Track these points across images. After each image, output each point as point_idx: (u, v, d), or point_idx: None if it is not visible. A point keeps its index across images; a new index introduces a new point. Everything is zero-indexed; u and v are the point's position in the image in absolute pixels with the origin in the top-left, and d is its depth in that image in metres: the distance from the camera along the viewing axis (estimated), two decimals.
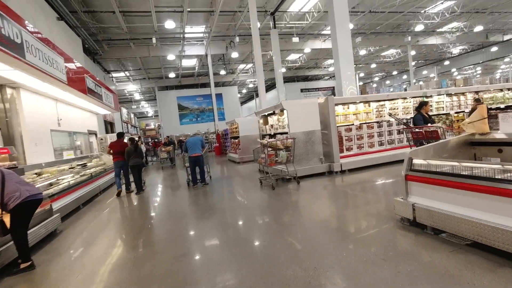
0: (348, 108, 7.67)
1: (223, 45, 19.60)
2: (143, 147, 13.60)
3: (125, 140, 8.70)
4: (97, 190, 8.01)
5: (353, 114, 7.71)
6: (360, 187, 5.86)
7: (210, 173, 8.84)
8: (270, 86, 35.38)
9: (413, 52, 25.50)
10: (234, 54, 20.50)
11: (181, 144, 14.49)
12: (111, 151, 7.92)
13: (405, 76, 37.19)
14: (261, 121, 9.52)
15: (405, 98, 8.14)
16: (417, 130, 4.58)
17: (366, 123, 7.76)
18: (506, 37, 25.43)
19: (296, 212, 4.53)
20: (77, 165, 8.68)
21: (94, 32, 14.01)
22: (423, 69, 35.51)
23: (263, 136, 9.44)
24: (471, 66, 33.01)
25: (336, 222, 4.05)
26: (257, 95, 39.90)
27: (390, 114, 6.60)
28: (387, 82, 39.61)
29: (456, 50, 28.71)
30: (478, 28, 20.58)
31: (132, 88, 28.28)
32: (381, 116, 7.96)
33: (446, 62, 32.26)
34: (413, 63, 27.96)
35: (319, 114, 7.28)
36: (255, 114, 9.45)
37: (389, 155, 7.70)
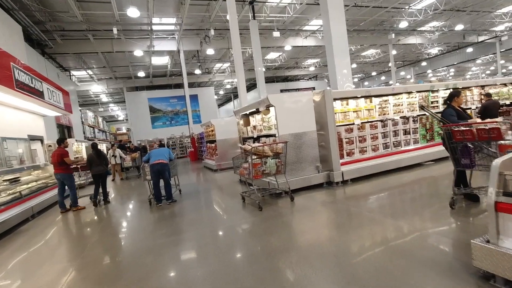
0: (347, 104, 6.32)
1: (197, 40, 17.91)
2: (118, 153, 11.48)
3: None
4: (26, 214, 6.07)
5: (354, 112, 6.37)
6: (375, 205, 4.46)
7: (179, 186, 7.14)
8: (249, 87, 33.95)
9: (393, 52, 25.11)
10: (210, 51, 18.87)
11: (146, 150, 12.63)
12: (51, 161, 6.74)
13: (383, 77, 37.24)
14: (241, 121, 7.97)
15: (410, 93, 6.93)
16: (463, 128, 3.25)
17: (368, 122, 6.45)
18: (480, 38, 25.71)
19: (298, 254, 3.00)
20: (4, 180, 6.67)
21: (40, 20, 11.83)
22: (400, 70, 35.63)
23: (244, 140, 7.89)
24: (445, 67, 33.52)
25: (364, 275, 2.57)
26: (235, 97, 38.42)
27: (422, 107, 5.27)
28: (366, 83, 39.53)
29: (434, 51, 28.82)
30: (459, 27, 20.43)
31: (97, 89, 25.73)
32: (384, 114, 6.68)
33: (423, 63, 32.49)
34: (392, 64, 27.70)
35: (314, 112, 5.87)
36: (234, 114, 7.88)
37: (396, 160, 6.43)
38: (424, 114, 7.04)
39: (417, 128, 6.91)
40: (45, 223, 5.82)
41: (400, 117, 6.76)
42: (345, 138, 6.11)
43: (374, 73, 36.56)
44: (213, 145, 12.15)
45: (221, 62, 24.07)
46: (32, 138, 9.56)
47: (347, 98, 6.27)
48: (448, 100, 4.14)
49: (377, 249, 2.85)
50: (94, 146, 7.35)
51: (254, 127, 7.30)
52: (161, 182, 6.04)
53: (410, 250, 2.72)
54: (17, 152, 8.59)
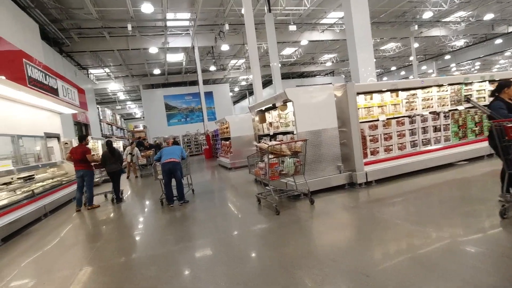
0: (371, 98, 5.83)
1: (211, 36, 17.67)
2: (136, 151, 11.45)
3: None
4: (39, 212, 5.98)
5: (378, 107, 5.87)
6: (405, 211, 3.99)
7: (192, 186, 6.88)
8: (264, 83, 33.50)
9: (416, 45, 23.94)
10: (224, 47, 18.60)
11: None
12: (72, 158, 6.67)
13: (403, 72, 35.81)
14: (257, 118, 7.62)
15: (440, 86, 6.34)
16: None
17: (394, 117, 5.93)
18: (511, 29, 24.08)
19: (319, 270, 2.62)
20: (19, 178, 6.64)
21: (57, 18, 11.89)
22: (422, 65, 34.10)
23: (260, 138, 7.55)
24: (470, 61, 31.75)
25: None
26: (250, 93, 38.07)
27: (468, 99, 4.74)
28: (385, 78, 38.17)
29: (459, 43, 27.28)
30: (488, 16, 19.13)
31: (115, 87, 26.06)
32: (412, 109, 6.14)
33: (447, 57, 30.89)
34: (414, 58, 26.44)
35: (335, 107, 5.43)
36: (249, 110, 7.54)
37: (425, 160, 5.89)
38: (456, 109, 6.44)
39: (449, 124, 6.32)
40: (55, 223, 5.69)
41: (430, 113, 6.20)
42: (369, 136, 5.63)
43: (393, 68, 35.24)
44: (227, 142, 11.88)
45: (236, 59, 23.76)
46: (49, 136, 9.59)
47: (371, 92, 5.78)
48: (497, 92, 3.61)
49: (412, 267, 2.43)
50: (108, 144, 7.23)
51: (270, 124, 6.93)
52: (173, 182, 5.80)
53: (457, 271, 2.29)
54: (33, 149, 8.61)
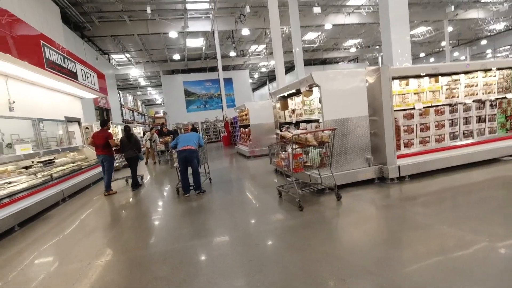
0: (407, 84, 5.23)
1: (232, 20, 17.10)
2: (156, 137, 11.46)
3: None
4: (57, 197, 5.95)
5: (414, 93, 5.27)
6: (449, 213, 3.50)
7: (209, 174, 6.63)
8: (285, 70, 32.63)
9: (449, 28, 22.22)
10: (245, 31, 17.98)
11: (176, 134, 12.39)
12: (94, 143, 6.64)
13: (432, 59, 33.66)
14: (278, 105, 7.19)
15: (488, 71, 5.61)
16: None
17: (433, 106, 5.32)
18: None
19: (351, 285, 2.26)
20: (38, 162, 6.65)
21: (77, 0, 11.79)
22: (454, 51, 31.84)
23: (281, 126, 7.12)
24: (509, 46, 29.17)
25: None
26: (270, 80, 37.37)
27: None
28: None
29: (499, 26, 25.07)
30: None
31: (136, 73, 26.22)
32: (453, 96, 5.48)
33: (483, 42, 28.54)
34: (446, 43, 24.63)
35: (366, 93, 4.90)
36: (270, 97, 7.10)
37: (467, 154, 5.27)
38: (505, 98, 5.70)
39: (495, 115, 5.61)
40: (72, 209, 5.63)
41: (474, 101, 5.52)
42: (403, 126, 5.07)
43: (422, 55, 33.17)
44: (246, 130, 11.54)
45: (256, 44, 23.10)
46: (69, 120, 9.63)
47: (407, 77, 5.18)
48: None
49: (459, 283, 2.00)
50: (126, 129, 7.10)
51: (293, 111, 6.48)
52: (190, 170, 5.55)
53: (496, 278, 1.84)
54: (54, 133, 8.67)
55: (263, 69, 32.28)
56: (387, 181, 4.88)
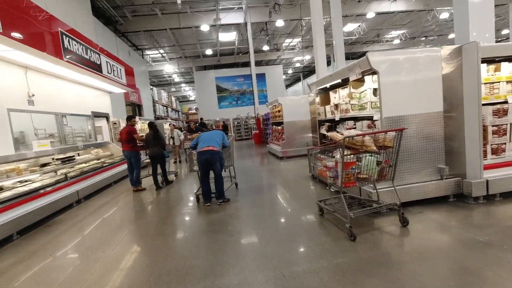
0: (496, 70, 3.89)
1: (265, 10, 16.13)
2: (176, 134, 10.99)
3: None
4: (70, 199, 5.44)
5: (507, 82, 3.92)
6: None
7: (235, 179, 5.76)
8: None
9: None
10: (279, 22, 16.92)
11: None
12: (120, 139, 6.55)
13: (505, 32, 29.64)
14: (318, 99, 6.11)
15: None
16: None
17: None
18: None
19: None
20: (57, 159, 6.25)
21: None
22: None
23: (320, 123, 6.06)
24: None
25: None
26: (304, 76, 35.86)
27: None
28: None
29: None
30: None
31: (169, 69, 26.30)
32: None
33: None
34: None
35: (441, 82, 3.68)
36: (308, 88, 6.02)
37: None
38: None
39: None
40: (83, 213, 5.06)
41: None
42: (492, 126, 3.76)
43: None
44: (279, 127, 10.54)
45: (290, 37, 21.92)
46: (96, 115, 9.35)
47: (499, 61, 3.85)
48: None
49: None
50: (151, 125, 6.72)
51: (336, 106, 5.37)
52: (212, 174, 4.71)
53: None
54: (79, 129, 8.37)
55: (297, 64, 30.94)
56: (468, 200, 3.63)
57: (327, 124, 5.76)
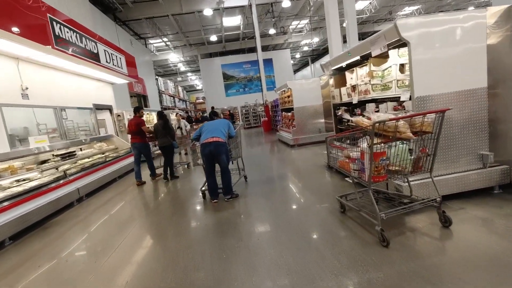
0: None
1: None
2: (183, 124, 10.57)
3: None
4: (70, 197, 5.13)
5: None
6: None
7: (244, 172, 5.31)
8: (327, 50, 29.88)
9: None
10: (286, 3, 16.05)
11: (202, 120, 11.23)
12: (128, 130, 6.46)
13: None
14: (332, 81, 5.53)
15: None
16: None
17: None
18: None
19: None
20: (57, 155, 5.93)
21: None
22: None
23: (336, 108, 5.51)
24: None
25: None
26: (313, 60, 34.76)
27: None
28: None
29: None
30: None
31: (174, 58, 25.73)
32: None
33: None
34: None
35: (486, 53, 3.08)
36: (321, 69, 5.44)
37: None
38: None
39: None
40: (84, 212, 4.74)
41: None
42: None
43: None
44: (289, 114, 10.00)
45: (298, 19, 20.95)
46: (99, 107, 9.00)
47: None
48: None
49: None
50: (160, 115, 6.56)
51: (353, 87, 4.80)
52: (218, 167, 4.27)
53: None
54: (81, 122, 8.04)
55: (305, 48, 29.88)
56: None
57: (343, 108, 5.21)
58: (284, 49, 27.34)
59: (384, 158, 2.45)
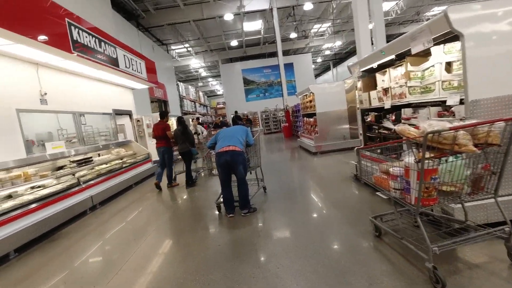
0: None
1: None
2: (200, 129, 10.41)
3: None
4: (83, 206, 4.95)
5: None
6: None
7: (263, 182, 4.90)
8: (351, 52, 29.08)
9: None
10: (307, 6, 15.71)
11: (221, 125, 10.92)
12: (154, 135, 6.56)
13: None
14: (360, 83, 5.04)
15: None
16: None
17: None
18: None
19: None
20: (73, 162, 5.83)
21: None
22: None
23: (365, 113, 5.00)
24: None
25: None
26: (334, 64, 33.96)
27: None
28: None
29: None
30: None
31: (196, 63, 25.95)
32: None
33: None
34: None
35: None
36: (348, 70, 4.95)
37: None
38: None
39: None
40: (96, 222, 4.53)
41: None
42: None
43: None
44: (311, 119, 9.52)
45: (320, 22, 20.46)
46: (118, 113, 8.98)
47: None
48: None
49: None
50: (179, 121, 6.47)
51: (385, 90, 4.29)
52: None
53: None
54: (100, 128, 8.00)
55: (327, 52, 29.22)
56: None
57: (373, 113, 4.70)
58: (305, 53, 26.85)
59: (436, 176, 1.97)
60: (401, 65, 3.87)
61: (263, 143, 14.54)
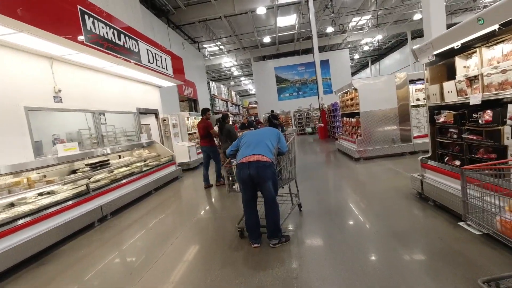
0: None
1: None
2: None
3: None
4: (90, 217, 4.33)
5: None
6: None
7: (298, 199, 3.91)
8: (393, 46, 26.81)
9: None
10: None
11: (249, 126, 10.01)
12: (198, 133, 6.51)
13: None
14: (427, 73, 3.86)
15: None
16: None
17: None
18: None
19: None
20: (87, 165, 5.30)
21: None
22: None
23: (436, 112, 3.81)
24: None
25: None
26: (373, 61, 31.75)
27: None
28: None
29: None
30: None
31: (228, 62, 25.48)
32: None
33: None
34: None
35: None
36: (413, 55, 3.75)
37: None
38: None
39: None
40: (99, 239, 3.87)
41: None
42: None
43: None
44: (352, 120, 8.32)
45: (359, 15, 18.86)
46: (143, 112, 8.49)
47: None
48: None
49: None
50: (219, 119, 6.11)
51: (470, 80, 3.11)
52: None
53: None
54: (122, 128, 7.54)
55: (365, 48, 27.25)
56: None
57: (449, 112, 3.51)
58: (342, 49, 25.19)
59: None
60: (502, 40, 2.68)
61: (296, 146, 13.47)
